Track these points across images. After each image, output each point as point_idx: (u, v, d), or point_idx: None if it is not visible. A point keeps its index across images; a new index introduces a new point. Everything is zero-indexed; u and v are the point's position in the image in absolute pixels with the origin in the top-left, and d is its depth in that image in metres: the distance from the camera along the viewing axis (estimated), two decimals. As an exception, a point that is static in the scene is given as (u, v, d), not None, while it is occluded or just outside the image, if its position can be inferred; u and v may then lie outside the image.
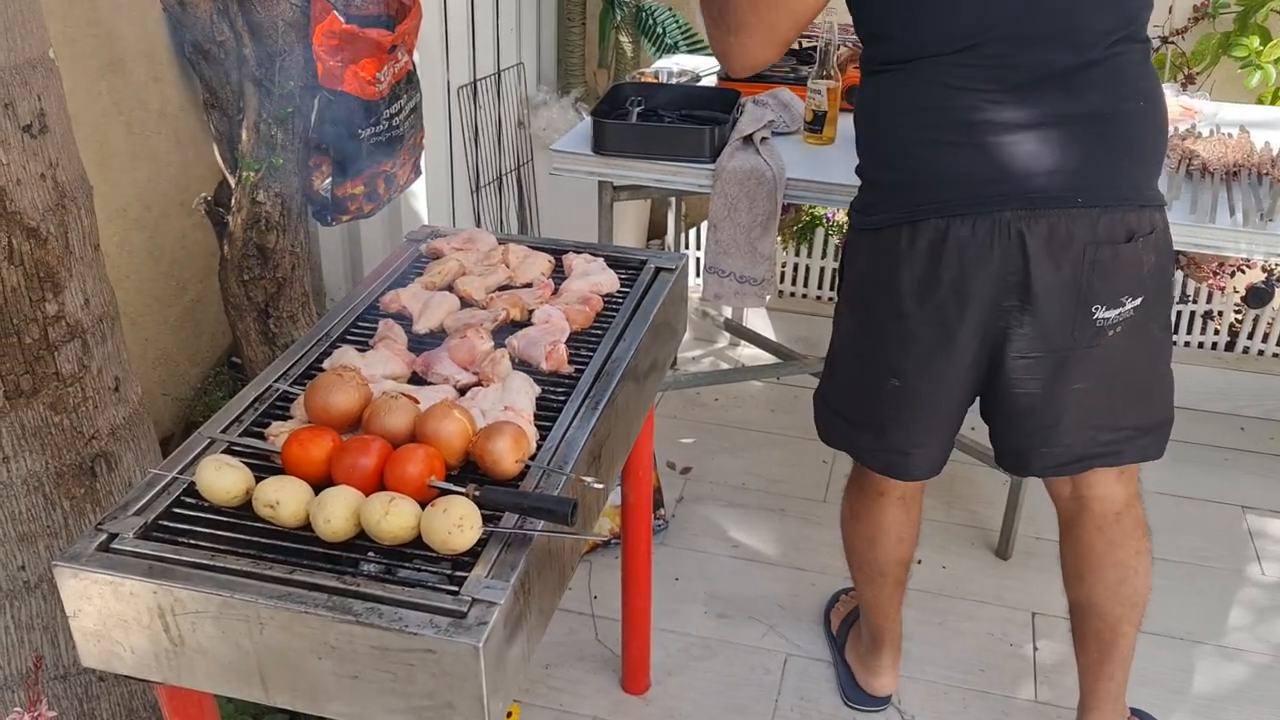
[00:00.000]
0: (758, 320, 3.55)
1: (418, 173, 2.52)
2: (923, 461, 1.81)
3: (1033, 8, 1.47)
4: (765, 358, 3.29)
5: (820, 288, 3.59)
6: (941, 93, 1.52)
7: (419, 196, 3.02)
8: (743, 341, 3.49)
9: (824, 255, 3.54)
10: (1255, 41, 2.99)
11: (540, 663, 2.33)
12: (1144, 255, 1.58)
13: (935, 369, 1.66)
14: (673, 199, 3.22)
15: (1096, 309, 1.57)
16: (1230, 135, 2.39)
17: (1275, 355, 3.24)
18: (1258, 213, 2.06)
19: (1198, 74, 3.16)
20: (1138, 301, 1.59)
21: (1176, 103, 2.65)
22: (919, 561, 2.63)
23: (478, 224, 3.26)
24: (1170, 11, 3.15)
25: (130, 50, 2.64)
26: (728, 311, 3.44)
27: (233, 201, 2.36)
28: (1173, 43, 3.16)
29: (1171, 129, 2.48)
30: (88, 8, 2.50)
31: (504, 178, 3.34)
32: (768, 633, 2.41)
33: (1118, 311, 1.58)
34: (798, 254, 3.56)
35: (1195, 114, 2.59)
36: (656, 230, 3.82)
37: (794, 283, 3.61)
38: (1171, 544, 2.70)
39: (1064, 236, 1.54)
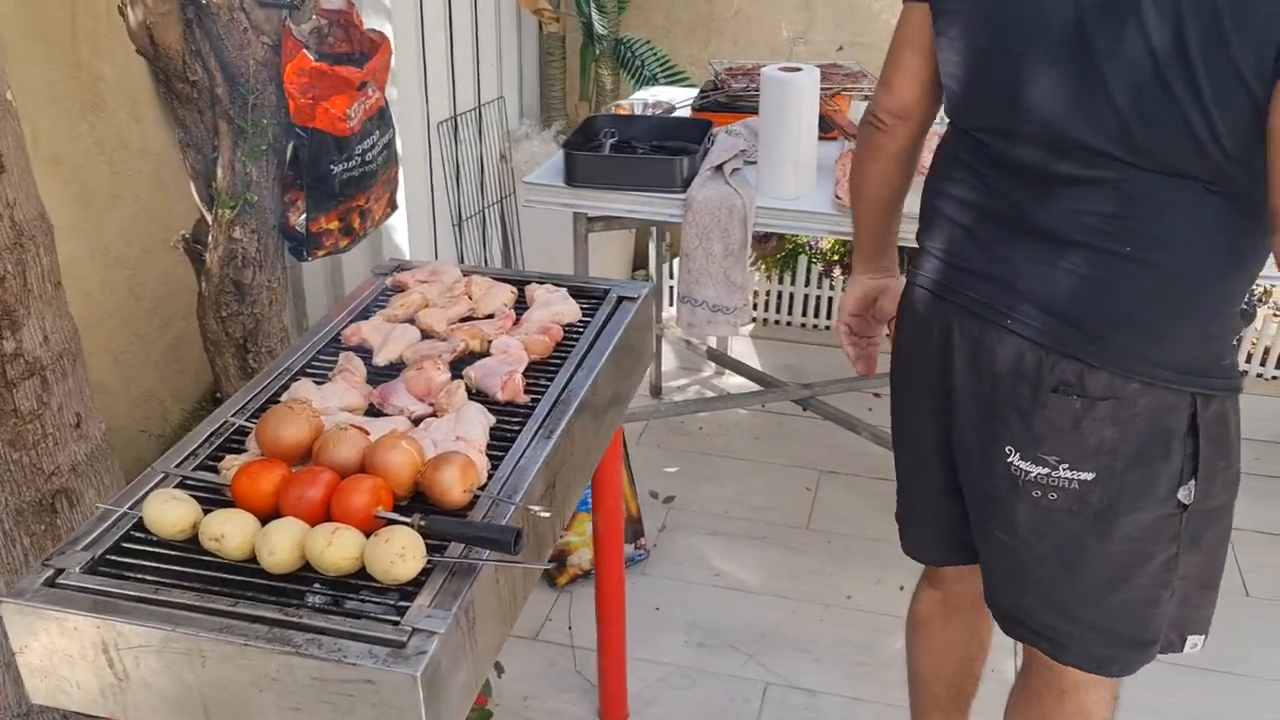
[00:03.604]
0: (743, 348, 3.56)
1: (394, 207, 2.54)
2: (914, 537, 1.76)
3: (1015, 101, 1.32)
4: (751, 385, 3.30)
5: (804, 315, 3.59)
6: (951, 163, 1.46)
7: (400, 231, 3.05)
8: (728, 370, 3.49)
9: (807, 283, 3.55)
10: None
11: (519, 694, 2.32)
12: (1086, 419, 1.34)
13: (902, 434, 1.65)
14: (654, 229, 3.24)
15: (1010, 451, 1.40)
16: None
17: (1259, 375, 3.24)
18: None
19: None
20: (1085, 476, 1.37)
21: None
22: (901, 588, 2.62)
23: (461, 258, 3.28)
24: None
25: (111, 90, 2.68)
26: (712, 341, 3.45)
27: (209, 238, 2.39)
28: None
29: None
30: (68, 50, 2.54)
31: (486, 211, 3.37)
32: (747, 661, 2.40)
33: (1044, 471, 1.39)
34: (781, 282, 3.58)
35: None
36: (642, 260, 3.84)
37: (778, 310, 3.62)
38: (1156, 567, 2.69)
39: (989, 351, 1.41)
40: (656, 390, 3.43)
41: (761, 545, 2.78)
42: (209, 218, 2.40)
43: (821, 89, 2.55)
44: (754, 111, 2.66)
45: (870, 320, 1.74)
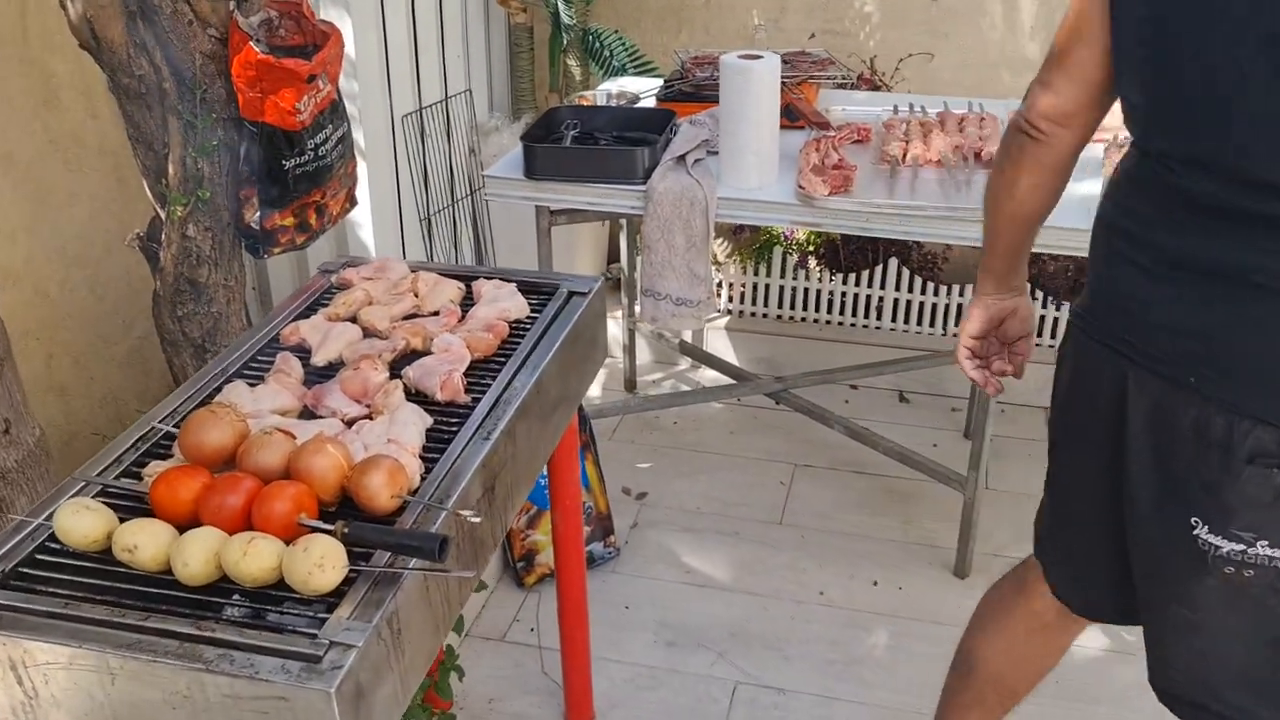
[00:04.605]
0: (718, 341, 3.52)
1: (353, 202, 2.49)
2: (1068, 583, 1.58)
3: (1212, 122, 1.14)
4: (725, 379, 3.25)
5: (780, 306, 3.55)
6: (1131, 187, 1.29)
7: (366, 228, 3.00)
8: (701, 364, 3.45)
9: (782, 275, 3.50)
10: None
11: (484, 697, 2.28)
12: None
13: (1061, 483, 1.53)
14: (624, 220, 3.19)
15: (1197, 524, 1.24)
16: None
17: None
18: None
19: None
20: None
21: (1117, 109, 2.62)
22: (875, 583, 2.59)
23: (429, 254, 3.24)
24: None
25: (65, 86, 2.63)
26: (686, 334, 3.40)
27: (163, 236, 2.34)
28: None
29: (1110, 136, 2.45)
30: (19, 46, 2.49)
31: (456, 205, 3.32)
32: (717, 660, 2.37)
33: (1238, 548, 1.22)
34: (757, 273, 3.53)
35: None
36: (616, 254, 3.79)
37: (753, 302, 3.57)
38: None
39: (1169, 413, 1.24)
40: (630, 385, 3.38)
41: (734, 541, 2.74)
42: (162, 215, 2.35)
43: (788, 77, 2.51)
44: (718, 100, 2.62)
45: (994, 341, 1.58)
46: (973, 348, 1.56)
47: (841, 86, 2.87)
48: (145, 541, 1.13)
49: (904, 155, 2.31)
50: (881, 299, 3.47)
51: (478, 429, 1.39)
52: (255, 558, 1.10)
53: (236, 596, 1.13)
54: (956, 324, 3.46)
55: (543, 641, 2.42)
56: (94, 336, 2.85)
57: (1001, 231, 1.46)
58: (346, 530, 1.15)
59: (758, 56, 2.24)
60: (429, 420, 1.39)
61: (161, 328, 2.46)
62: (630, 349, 3.35)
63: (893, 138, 2.38)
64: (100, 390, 2.88)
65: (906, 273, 3.42)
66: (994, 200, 1.45)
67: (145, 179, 2.37)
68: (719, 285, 3.62)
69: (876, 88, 3.30)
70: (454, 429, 1.40)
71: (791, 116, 2.50)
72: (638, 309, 3.40)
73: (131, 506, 1.25)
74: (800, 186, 2.20)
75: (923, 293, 3.43)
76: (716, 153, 2.37)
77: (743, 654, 2.38)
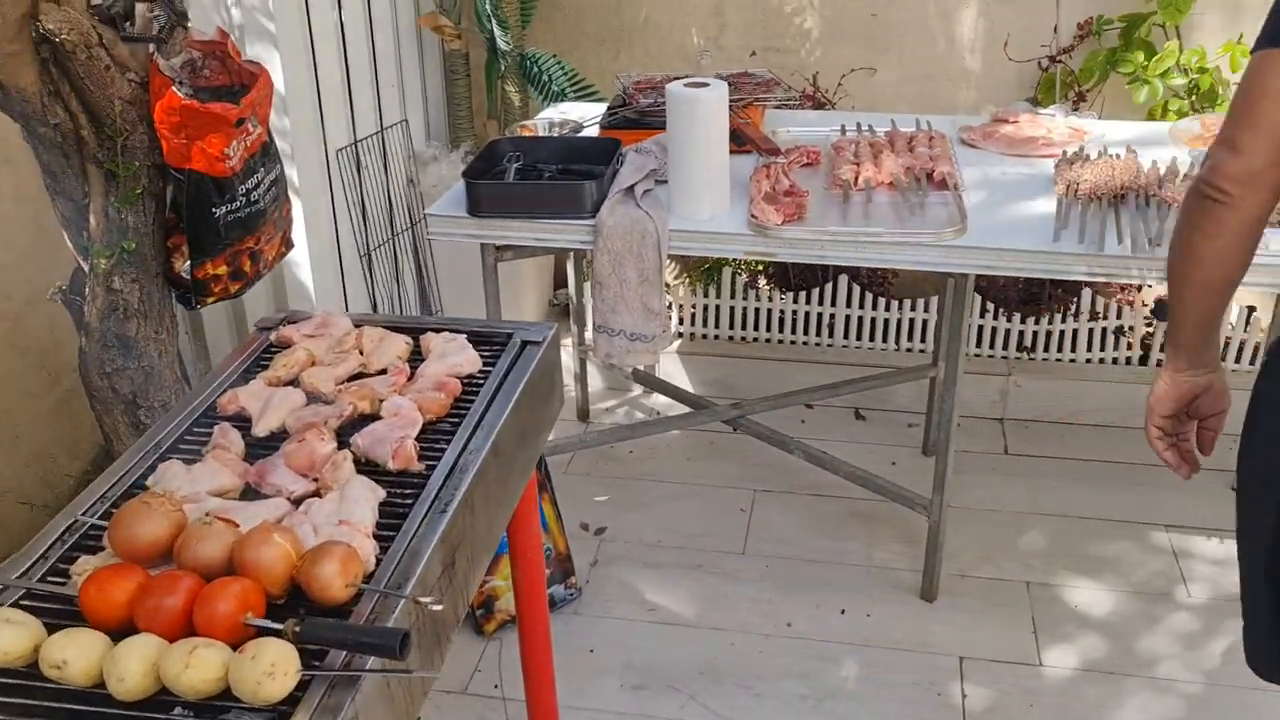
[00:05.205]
0: (670, 364, 3.46)
1: (289, 246, 2.39)
2: (1252, 650, 1.55)
3: None
4: (680, 406, 3.20)
5: (731, 327, 3.51)
6: None
7: (303, 267, 2.89)
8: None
9: (733, 295, 3.46)
10: (1140, 56, 2.99)
11: (448, 756, 2.20)
12: None
13: (1251, 549, 1.48)
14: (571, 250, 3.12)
15: None
16: (1118, 156, 2.35)
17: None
18: (1145, 237, 2.02)
19: (1087, 91, 3.15)
20: None
21: (1065, 124, 2.62)
22: (842, 611, 2.54)
23: (371, 291, 3.14)
24: (1055, 31, 3.14)
25: (-25, 134, 2.49)
26: (638, 360, 3.34)
27: (86, 290, 2.22)
28: (1061, 62, 3.14)
29: (1059, 152, 2.44)
30: (-78, 93, 2.35)
31: (397, 238, 3.23)
32: (688, 703, 2.30)
33: None
34: (706, 295, 3.48)
35: (1084, 135, 2.56)
36: (564, 279, 3.72)
37: (704, 324, 3.53)
38: (1094, 568, 2.64)
39: None
40: (584, 414, 3.31)
41: (697, 574, 2.68)
42: (85, 268, 2.23)
43: (733, 100, 2.46)
44: (664, 127, 2.56)
45: (1184, 418, 1.51)
46: (1164, 427, 1.49)
47: (785, 106, 2.84)
48: (75, 656, 1.03)
49: (856, 179, 2.27)
50: (833, 316, 3.44)
51: (434, 501, 1.31)
52: (199, 669, 1.01)
53: (179, 710, 1.05)
54: (909, 339, 3.44)
55: (507, 693, 2.34)
56: (17, 393, 2.71)
57: (1190, 302, 1.38)
58: (298, 629, 1.07)
59: (704, 84, 2.18)
60: (381, 494, 1.31)
61: (89, 385, 2.34)
62: (581, 377, 3.28)
63: (843, 160, 2.34)
64: (26, 449, 2.74)
65: (857, 289, 3.39)
66: (1180, 271, 1.37)
67: (65, 230, 2.25)
68: (669, 306, 3.57)
69: (820, 105, 3.28)
70: (409, 502, 1.32)
71: (739, 141, 2.46)
72: (588, 338, 3.34)
73: (59, 609, 1.15)
74: (753, 216, 2.15)
75: (874, 308, 3.41)
76: (665, 181, 2.31)
77: (713, 694, 2.32)
